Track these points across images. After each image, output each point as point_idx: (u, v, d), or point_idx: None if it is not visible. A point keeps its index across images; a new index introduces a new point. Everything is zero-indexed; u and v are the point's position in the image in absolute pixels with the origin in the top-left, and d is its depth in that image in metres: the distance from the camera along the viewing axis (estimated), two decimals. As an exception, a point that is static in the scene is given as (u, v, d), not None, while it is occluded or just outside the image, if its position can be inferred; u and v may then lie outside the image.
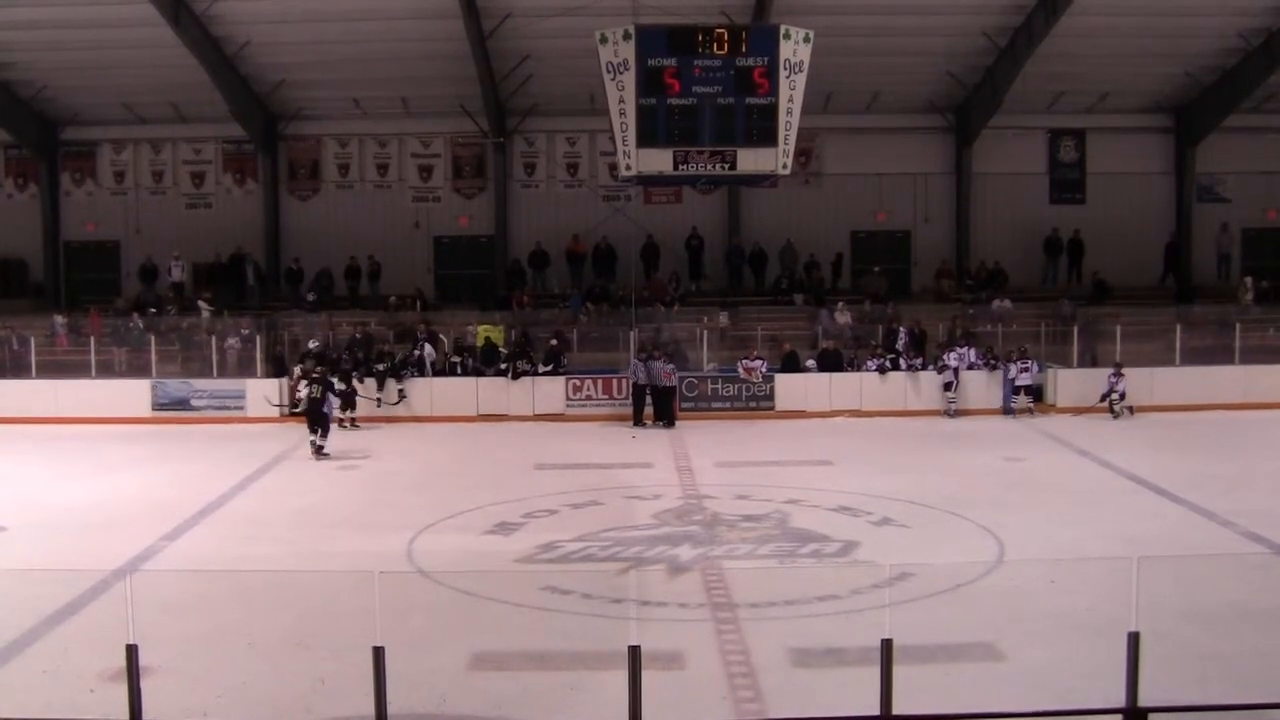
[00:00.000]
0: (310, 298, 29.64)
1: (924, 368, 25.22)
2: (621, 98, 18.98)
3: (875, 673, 8.19)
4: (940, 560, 13.25)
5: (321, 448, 20.62)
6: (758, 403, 24.92)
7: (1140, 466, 18.71)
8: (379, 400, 24.25)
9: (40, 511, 16.34)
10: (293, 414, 23.93)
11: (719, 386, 25.07)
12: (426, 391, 24.65)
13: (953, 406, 24.52)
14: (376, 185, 31.81)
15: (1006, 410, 24.55)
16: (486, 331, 26.31)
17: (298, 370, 24.41)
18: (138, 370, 25.95)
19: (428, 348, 25.40)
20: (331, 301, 29.89)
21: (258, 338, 25.89)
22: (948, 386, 24.69)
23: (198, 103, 29.08)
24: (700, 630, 11.19)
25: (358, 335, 26.35)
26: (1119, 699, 8.32)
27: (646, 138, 18.98)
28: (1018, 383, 24.51)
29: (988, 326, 27.41)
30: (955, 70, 29.34)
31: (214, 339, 26.32)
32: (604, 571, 13.12)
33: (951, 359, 24.87)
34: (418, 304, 29.14)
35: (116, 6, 25.11)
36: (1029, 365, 24.54)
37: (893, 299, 29.32)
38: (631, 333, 25.78)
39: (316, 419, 20.80)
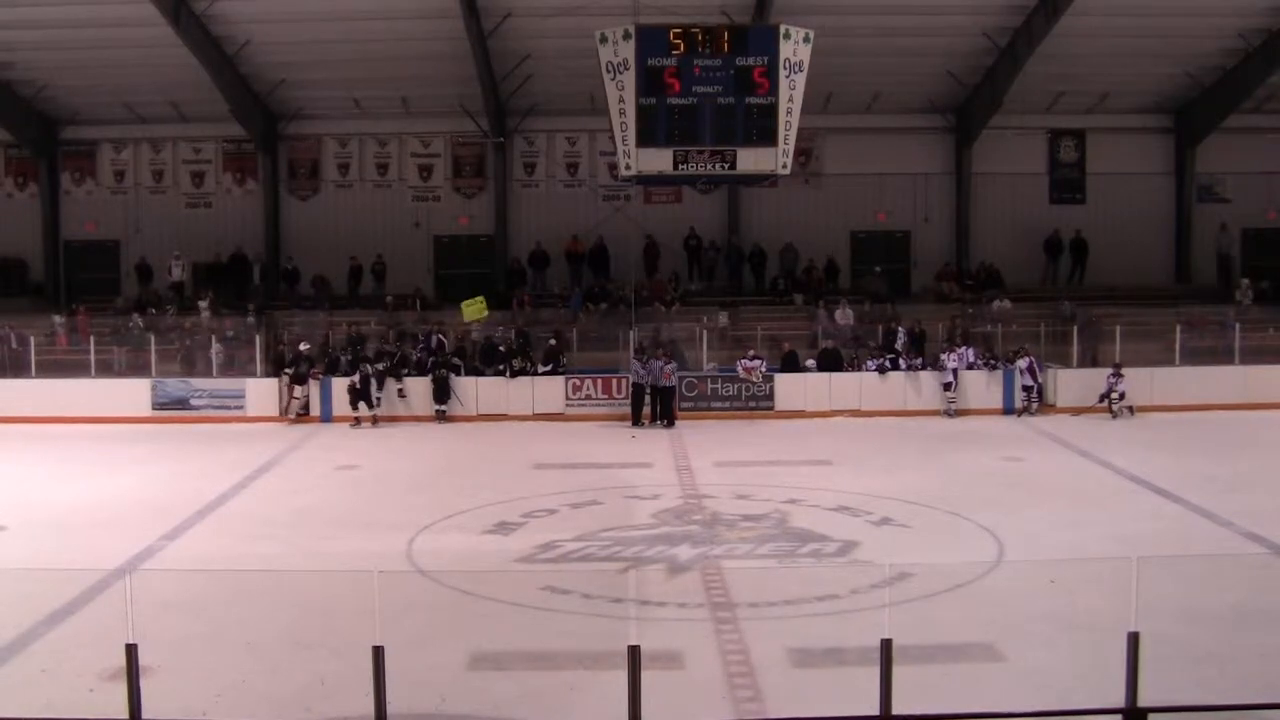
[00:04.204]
0: (315, 303, 29.70)
1: (924, 368, 25.22)
2: (621, 97, 18.99)
3: (875, 673, 8.18)
4: (940, 560, 13.25)
5: (375, 420, 23.57)
6: (757, 403, 24.91)
7: (1140, 466, 18.71)
8: (378, 399, 24.26)
9: (40, 511, 16.34)
10: (299, 416, 24.04)
11: (719, 386, 25.05)
12: (426, 391, 24.60)
13: (952, 407, 24.52)
14: (376, 185, 31.79)
15: (1012, 410, 24.56)
16: (468, 307, 26.18)
17: (288, 375, 24.39)
18: (137, 370, 25.93)
19: (430, 347, 25.44)
20: (332, 301, 29.90)
21: (257, 337, 25.89)
22: (947, 387, 24.69)
23: (198, 102, 29.08)
24: (700, 630, 11.18)
25: (354, 334, 26.34)
26: (1119, 699, 8.31)
27: (646, 137, 18.99)
28: (1024, 383, 24.53)
29: (988, 326, 27.41)
30: (955, 70, 29.33)
31: (214, 338, 26.34)
32: (604, 571, 13.12)
33: (950, 360, 24.86)
34: (417, 304, 29.15)
35: (116, 6, 25.09)
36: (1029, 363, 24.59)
37: (893, 299, 29.32)
38: (631, 332, 25.78)
39: (364, 397, 23.50)
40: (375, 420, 23.87)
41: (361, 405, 23.81)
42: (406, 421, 24.23)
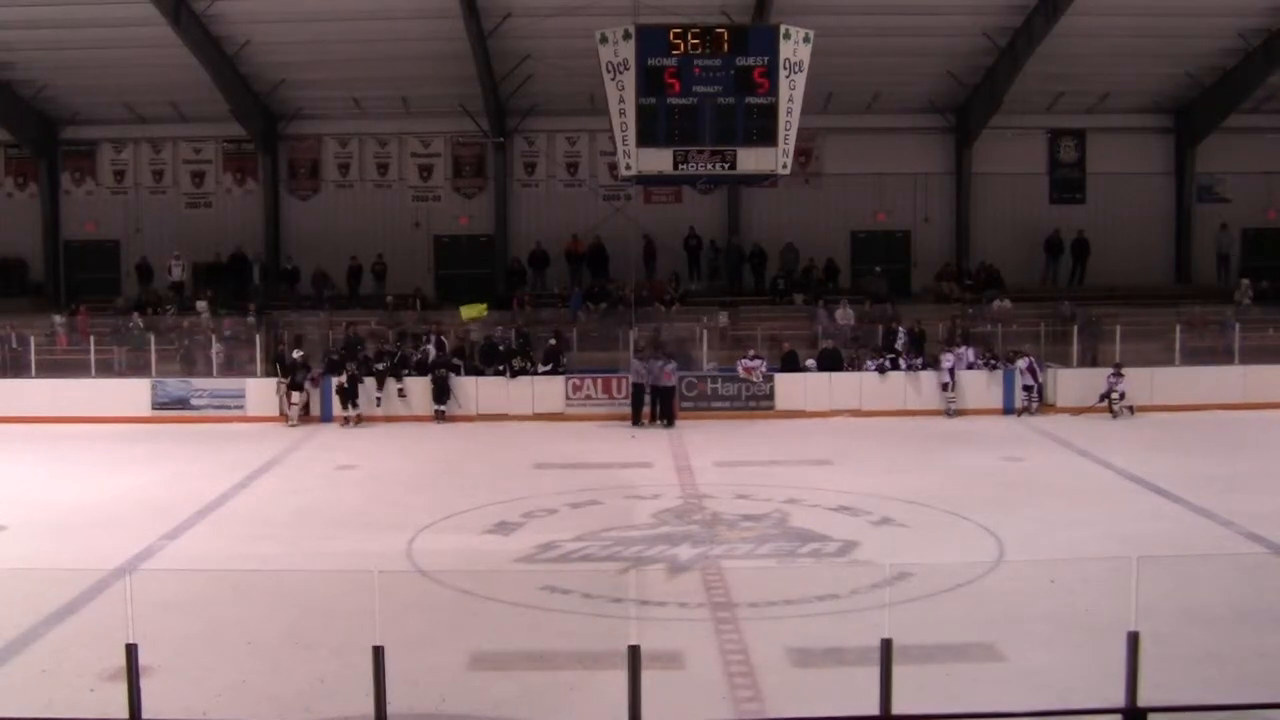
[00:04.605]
0: (326, 293, 29.80)
1: (924, 368, 25.21)
2: (621, 97, 18.97)
3: (875, 673, 8.18)
4: (940, 560, 13.25)
5: (358, 419, 23.89)
6: (757, 402, 24.90)
7: (1140, 466, 18.70)
8: (378, 398, 24.31)
9: (40, 511, 16.34)
10: (301, 418, 23.96)
11: (719, 386, 25.05)
12: (426, 391, 24.58)
13: (951, 406, 24.51)
14: (376, 185, 31.81)
15: (1012, 410, 24.56)
16: (467, 311, 26.32)
17: (284, 383, 24.13)
18: (137, 369, 25.93)
19: (429, 348, 25.42)
20: (332, 301, 29.92)
21: (257, 337, 25.88)
22: (944, 386, 24.67)
23: (198, 102, 29.09)
24: (700, 630, 11.18)
25: (352, 334, 26.31)
26: (1119, 699, 8.31)
27: (646, 137, 18.97)
28: (1024, 383, 24.52)
29: (988, 326, 27.41)
30: (955, 70, 29.34)
31: (213, 338, 26.32)
32: (604, 571, 13.12)
33: (945, 360, 24.84)
34: (417, 303, 29.15)
35: (116, 6, 25.09)
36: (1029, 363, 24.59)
37: (893, 299, 29.32)
38: (631, 332, 25.77)
39: (351, 396, 23.80)
40: (359, 419, 23.96)
41: (348, 404, 23.97)
42: (406, 421, 24.23)
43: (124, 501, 17.01)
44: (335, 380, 24.14)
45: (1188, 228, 31.82)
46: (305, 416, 24.12)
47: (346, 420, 23.94)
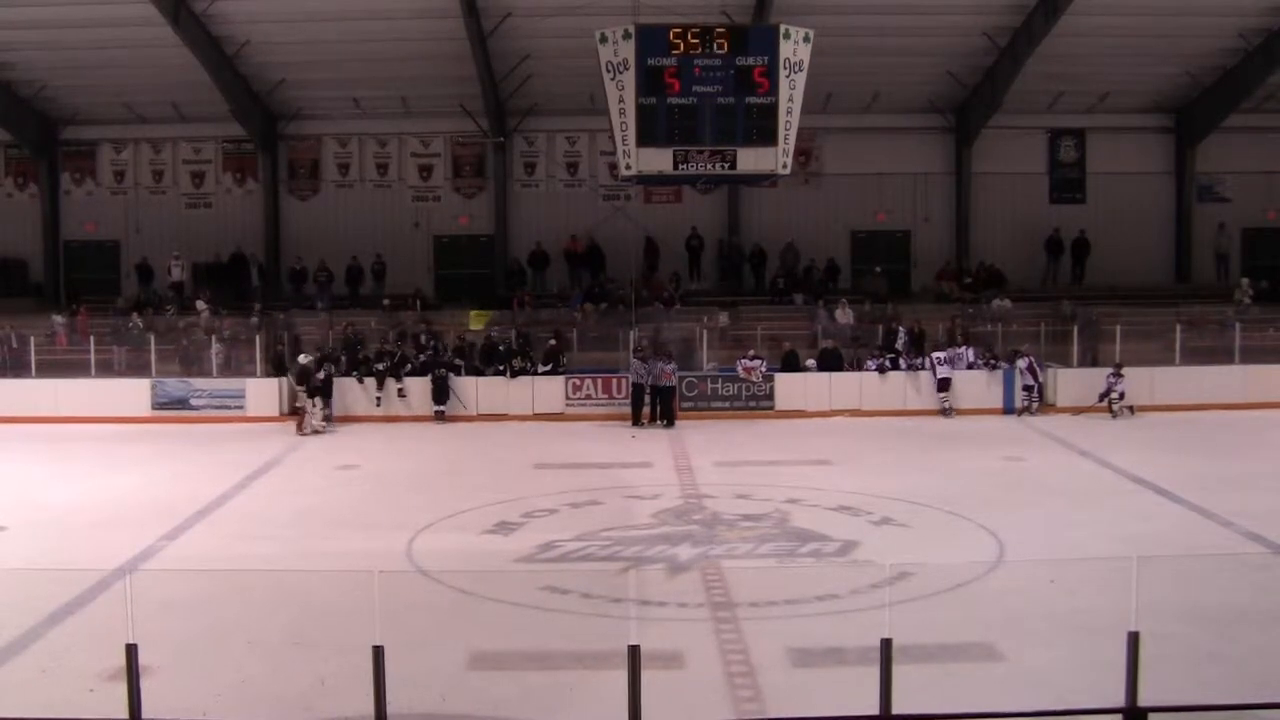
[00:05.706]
0: (320, 305, 29.66)
1: (924, 368, 25.22)
2: (621, 97, 18.97)
3: (875, 672, 8.19)
4: (940, 560, 13.25)
5: (329, 418, 23.58)
6: (757, 402, 24.90)
7: (1140, 466, 18.70)
8: (378, 399, 24.30)
9: (40, 511, 16.35)
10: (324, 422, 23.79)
11: (719, 386, 25.05)
12: (426, 391, 24.58)
13: (946, 406, 24.51)
14: (376, 185, 31.81)
15: (1012, 410, 24.54)
16: (477, 316, 26.34)
17: (301, 391, 23.57)
18: (137, 369, 25.91)
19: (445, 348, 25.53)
20: (332, 301, 29.91)
21: (257, 337, 25.87)
22: (938, 386, 24.65)
23: (198, 102, 29.09)
24: (700, 630, 11.18)
25: (350, 334, 26.31)
26: (1119, 699, 8.32)
27: (646, 137, 18.96)
28: (1024, 383, 24.51)
29: (988, 326, 27.41)
30: (955, 70, 29.33)
31: (213, 339, 26.32)
32: (604, 571, 13.13)
33: (927, 361, 24.80)
34: (417, 304, 29.15)
35: (116, 6, 25.10)
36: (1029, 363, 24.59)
37: (893, 299, 29.33)
38: (631, 332, 25.78)
39: (325, 394, 23.52)
40: (327, 419, 23.64)
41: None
42: (406, 421, 24.22)
43: (124, 501, 17.01)
44: (315, 377, 23.90)
45: (1188, 227, 31.83)
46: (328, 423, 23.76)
47: (328, 418, 23.69)
